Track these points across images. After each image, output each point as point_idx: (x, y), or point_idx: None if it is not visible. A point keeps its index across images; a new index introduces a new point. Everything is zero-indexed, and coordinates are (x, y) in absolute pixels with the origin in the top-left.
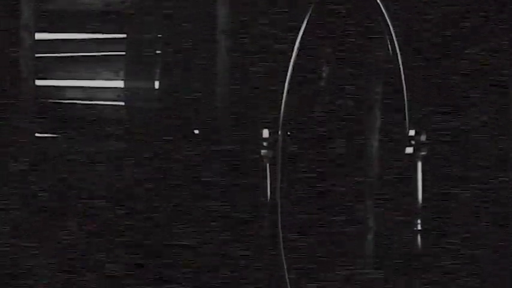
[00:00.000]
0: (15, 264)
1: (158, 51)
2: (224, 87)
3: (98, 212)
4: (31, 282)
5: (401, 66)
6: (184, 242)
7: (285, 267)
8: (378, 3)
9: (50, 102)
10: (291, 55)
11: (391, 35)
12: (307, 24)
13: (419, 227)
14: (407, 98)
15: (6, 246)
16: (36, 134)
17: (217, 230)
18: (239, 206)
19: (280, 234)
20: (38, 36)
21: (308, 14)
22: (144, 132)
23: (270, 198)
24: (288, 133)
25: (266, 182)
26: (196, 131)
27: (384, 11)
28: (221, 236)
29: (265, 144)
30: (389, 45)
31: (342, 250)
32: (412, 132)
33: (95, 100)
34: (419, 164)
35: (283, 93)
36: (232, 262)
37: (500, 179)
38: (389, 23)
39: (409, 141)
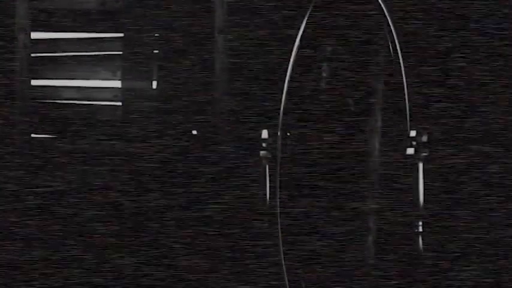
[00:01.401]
0: None
1: (156, 51)
2: (222, 87)
3: None
4: None
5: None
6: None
7: (285, 267)
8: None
9: (47, 102)
10: (291, 54)
11: (393, 35)
12: (306, 23)
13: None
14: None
15: None
16: (33, 135)
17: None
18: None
19: (280, 234)
20: (34, 35)
21: (308, 14)
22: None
23: (270, 198)
24: (288, 133)
25: (266, 183)
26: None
27: (385, 11)
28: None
29: (264, 145)
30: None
31: None
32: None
33: (91, 100)
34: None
35: (283, 93)
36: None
37: None
38: (391, 24)
39: (410, 142)
